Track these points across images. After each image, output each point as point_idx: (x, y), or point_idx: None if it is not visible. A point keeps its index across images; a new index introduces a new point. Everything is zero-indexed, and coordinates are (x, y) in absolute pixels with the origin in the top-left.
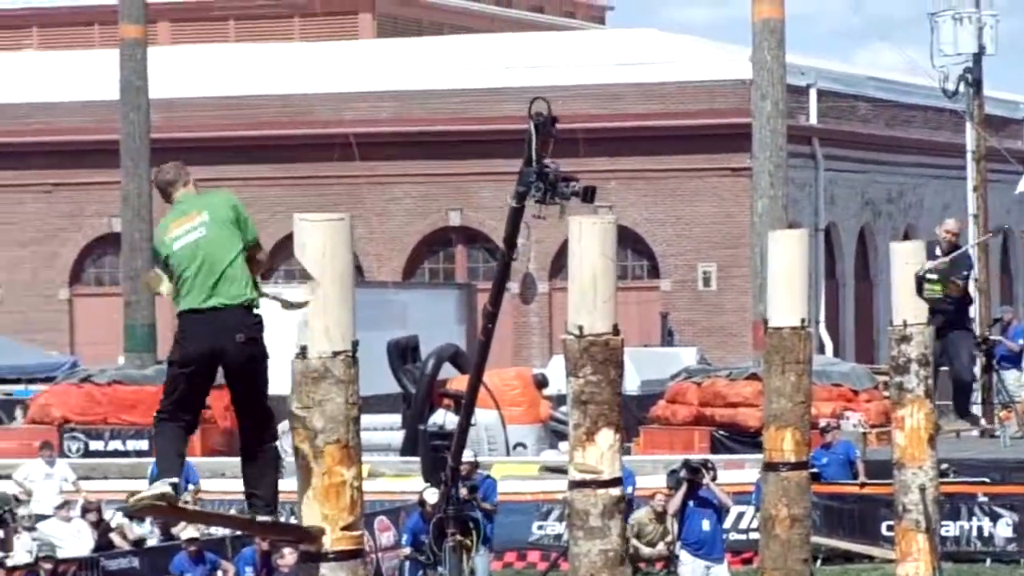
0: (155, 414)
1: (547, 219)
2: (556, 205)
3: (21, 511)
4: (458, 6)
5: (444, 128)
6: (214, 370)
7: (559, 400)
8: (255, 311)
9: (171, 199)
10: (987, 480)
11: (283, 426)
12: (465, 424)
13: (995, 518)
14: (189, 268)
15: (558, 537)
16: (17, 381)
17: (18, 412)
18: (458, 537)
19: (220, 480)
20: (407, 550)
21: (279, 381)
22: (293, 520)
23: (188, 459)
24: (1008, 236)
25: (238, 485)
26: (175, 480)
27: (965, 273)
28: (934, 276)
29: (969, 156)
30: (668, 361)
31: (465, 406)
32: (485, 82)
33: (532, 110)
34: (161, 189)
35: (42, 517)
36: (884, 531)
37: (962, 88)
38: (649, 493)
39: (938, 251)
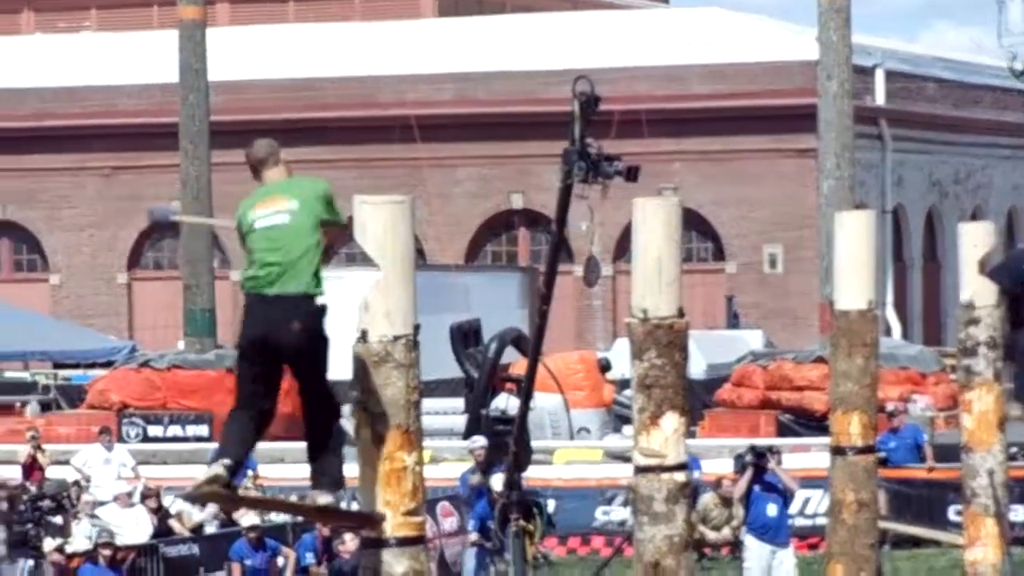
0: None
1: (588, 198)
2: (599, 185)
3: (82, 497)
4: None
5: (506, 110)
6: (273, 356)
7: (623, 384)
8: (316, 299)
9: (260, 177)
10: None
11: (345, 410)
12: (524, 409)
13: None
14: (265, 252)
15: (622, 523)
16: (76, 366)
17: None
18: (521, 522)
19: (279, 466)
20: (474, 536)
21: (341, 365)
22: (355, 506)
23: None
24: None
25: (298, 471)
26: (229, 462)
27: None
28: None
29: None
30: (734, 344)
31: (524, 391)
32: (547, 63)
33: (576, 89)
34: (252, 166)
35: (101, 503)
36: (952, 516)
37: None
38: (715, 478)
39: None
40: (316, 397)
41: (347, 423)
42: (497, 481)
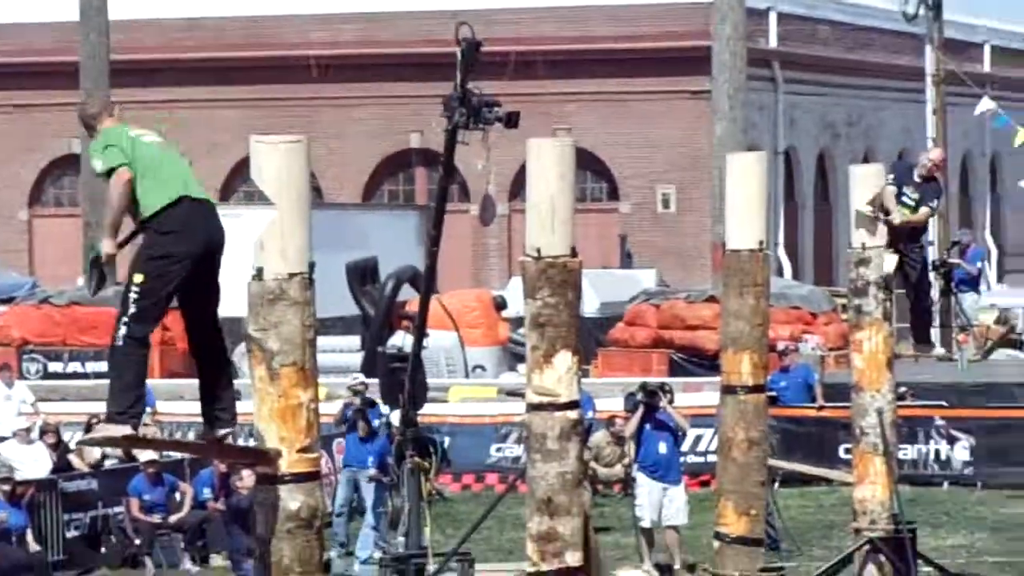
0: (123, 334)
1: (468, 144)
2: (480, 130)
3: None
4: None
5: (405, 51)
6: (204, 270)
7: (518, 322)
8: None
9: (95, 133)
10: (944, 404)
11: (240, 348)
12: (417, 347)
13: (952, 441)
14: (169, 164)
15: (516, 459)
16: None
17: None
18: (416, 459)
19: (178, 403)
20: (372, 471)
21: (235, 303)
22: (251, 442)
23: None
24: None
25: (196, 408)
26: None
27: (936, 201)
28: (911, 199)
29: (928, 80)
30: (627, 283)
31: (417, 329)
32: (447, 4)
33: (458, 34)
34: (85, 122)
35: (1, 439)
36: (842, 454)
37: (922, 11)
38: (607, 416)
39: (916, 177)
40: (214, 327)
41: (242, 363)
42: (396, 417)
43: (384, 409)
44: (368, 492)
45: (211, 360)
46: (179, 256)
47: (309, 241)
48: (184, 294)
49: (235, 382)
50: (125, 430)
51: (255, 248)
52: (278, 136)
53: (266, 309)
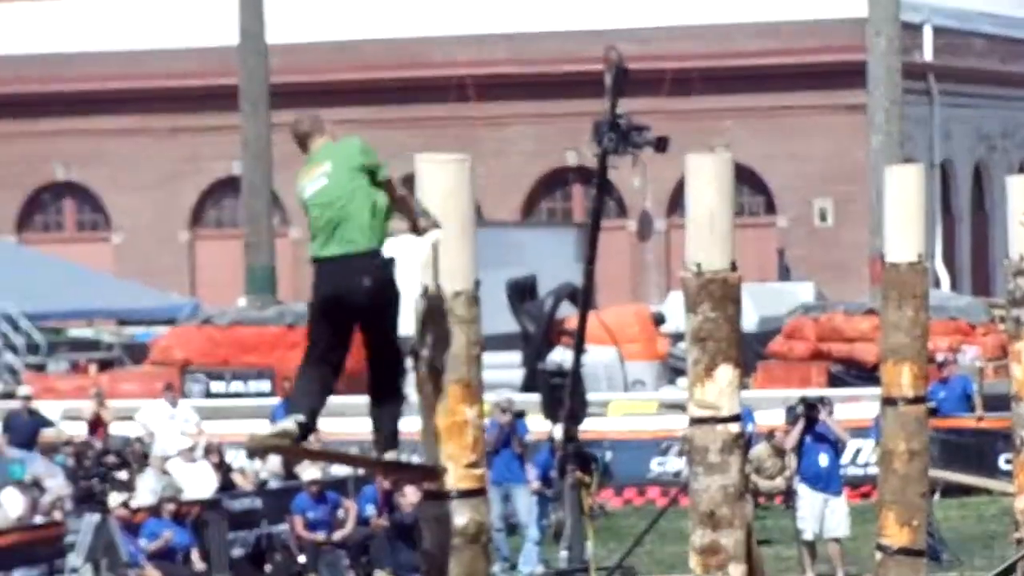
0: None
1: (619, 168)
2: (630, 155)
3: (155, 452)
4: None
5: (558, 69)
6: (344, 316)
7: (677, 337)
8: (380, 253)
9: (307, 150)
10: None
11: (407, 365)
12: (577, 362)
13: None
14: (318, 217)
15: (677, 473)
16: (139, 324)
17: None
18: (577, 474)
19: (340, 419)
20: (536, 484)
21: (403, 321)
22: (416, 459)
23: None
24: None
25: (358, 425)
26: (302, 418)
27: None
28: None
29: None
30: (785, 297)
31: (576, 345)
32: (598, 23)
33: (607, 58)
34: (298, 141)
35: (166, 459)
36: (1002, 464)
37: None
38: (767, 429)
39: None
40: (386, 353)
41: (409, 379)
42: (559, 431)
43: (534, 423)
44: (523, 506)
45: (382, 382)
46: (314, 308)
47: (474, 259)
48: (353, 326)
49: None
50: (288, 424)
51: (421, 267)
52: (443, 154)
53: (432, 327)
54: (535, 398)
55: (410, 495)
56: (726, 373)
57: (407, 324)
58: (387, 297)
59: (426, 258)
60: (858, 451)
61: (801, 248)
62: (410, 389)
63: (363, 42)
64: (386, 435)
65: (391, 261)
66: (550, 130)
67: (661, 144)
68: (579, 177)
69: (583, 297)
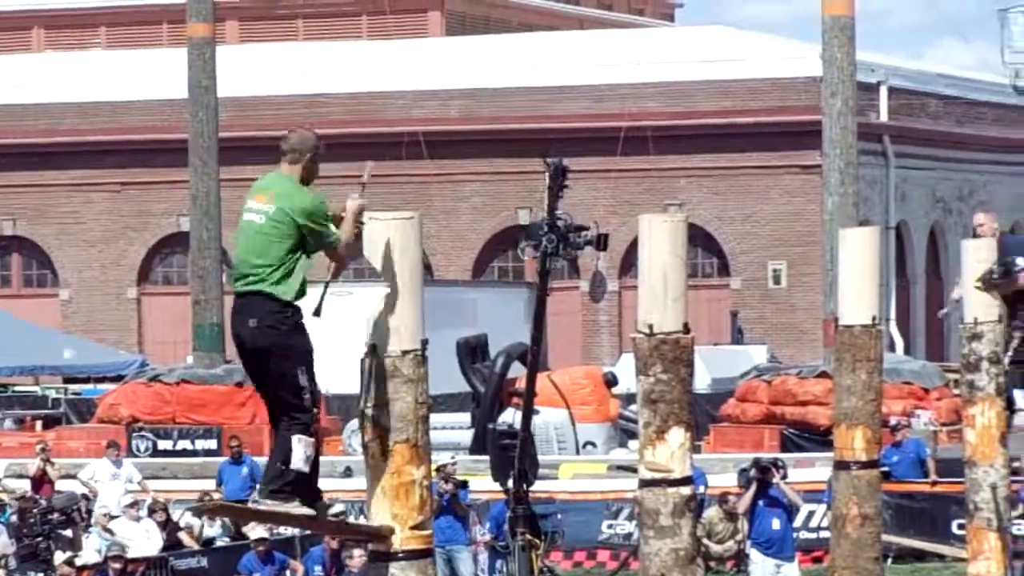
0: None
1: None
2: (569, 257)
3: (97, 510)
4: (526, 4)
5: (513, 126)
6: (247, 357)
7: (629, 399)
8: (282, 300)
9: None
10: None
11: (352, 425)
12: (526, 423)
13: None
14: (240, 248)
15: (628, 536)
16: (87, 380)
17: None
18: (527, 536)
19: None
20: (487, 537)
21: (348, 379)
22: (362, 519)
23: (254, 458)
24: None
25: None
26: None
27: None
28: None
29: None
30: (738, 359)
31: (524, 407)
32: (554, 80)
33: (546, 160)
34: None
35: (112, 517)
36: (955, 529)
37: None
38: (719, 492)
39: None
40: (277, 402)
41: (353, 439)
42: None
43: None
44: (467, 570)
45: (275, 428)
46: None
47: (422, 318)
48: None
49: (347, 459)
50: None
51: (367, 325)
52: (390, 212)
53: (379, 386)
54: (484, 459)
55: (358, 557)
56: (678, 435)
57: (354, 383)
58: (271, 341)
59: (373, 316)
60: (810, 515)
61: (754, 310)
62: (357, 446)
63: (315, 97)
64: (266, 476)
65: (289, 311)
66: (502, 188)
67: (601, 242)
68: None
69: (530, 364)
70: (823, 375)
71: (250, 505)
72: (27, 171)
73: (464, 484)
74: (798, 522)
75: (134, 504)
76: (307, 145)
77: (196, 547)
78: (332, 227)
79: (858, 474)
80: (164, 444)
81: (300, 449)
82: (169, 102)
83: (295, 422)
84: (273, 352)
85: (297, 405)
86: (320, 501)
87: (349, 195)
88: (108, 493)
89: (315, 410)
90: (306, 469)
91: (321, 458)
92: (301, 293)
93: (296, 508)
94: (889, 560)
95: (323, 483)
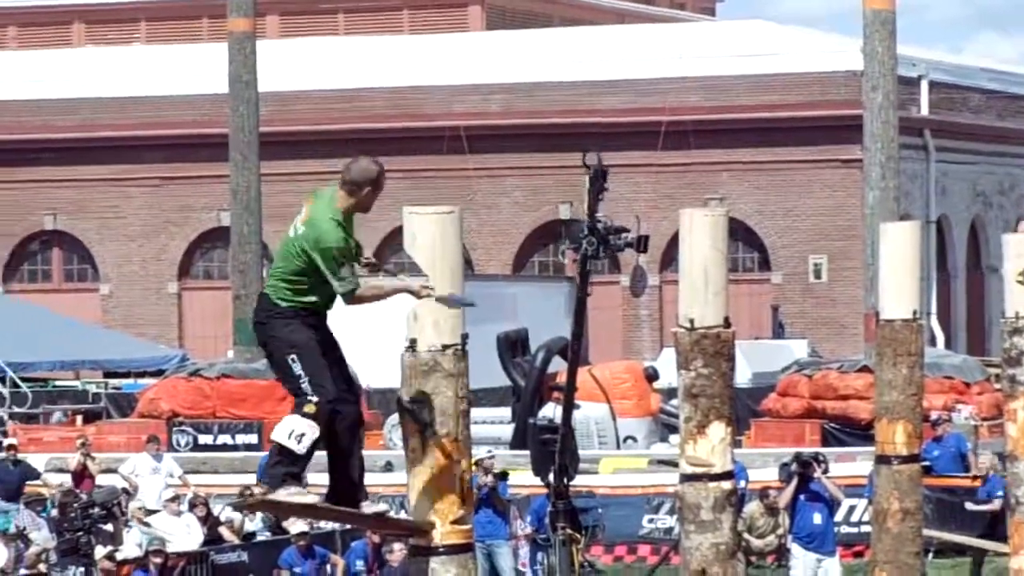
0: None
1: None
2: (609, 257)
3: (132, 504)
4: None
5: (554, 120)
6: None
7: (670, 393)
8: (278, 301)
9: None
10: None
11: (392, 419)
12: (566, 418)
13: None
14: (276, 254)
15: (669, 531)
16: (127, 375)
17: None
18: (568, 531)
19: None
20: (528, 529)
21: (388, 374)
22: (403, 514)
23: None
24: None
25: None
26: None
27: None
28: None
29: None
30: (779, 354)
31: (565, 401)
32: (594, 74)
33: (585, 161)
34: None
35: (150, 511)
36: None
37: None
38: (760, 486)
39: None
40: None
41: (395, 433)
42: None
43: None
44: (507, 564)
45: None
46: None
47: (462, 312)
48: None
49: (388, 453)
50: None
51: (408, 320)
52: (431, 206)
53: (420, 380)
54: (525, 454)
55: (397, 551)
56: (719, 430)
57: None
58: (265, 339)
59: (413, 310)
60: (851, 509)
61: (795, 304)
62: (398, 441)
63: (356, 91)
64: (273, 480)
65: (281, 312)
66: (543, 182)
67: (641, 244)
68: (571, 230)
69: (571, 362)
70: (864, 369)
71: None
72: (67, 166)
73: (504, 476)
74: (839, 517)
75: (175, 499)
76: (366, 179)
77: (237, 541)
78: (346, 272)
79: (899, 468)
80: (204, 439)
81: (286, 422)
82: (209, 97)
83: (296, 403)
84: (268, 344)
85: (295, 392)
86: (366, 500)
87: (423, 283)
88: (148, 487)
89: (312, 397)
90: (293, 447)
91: (363, 452)
92: (300, 298)
93: (298, 496)
94: (930, 555)
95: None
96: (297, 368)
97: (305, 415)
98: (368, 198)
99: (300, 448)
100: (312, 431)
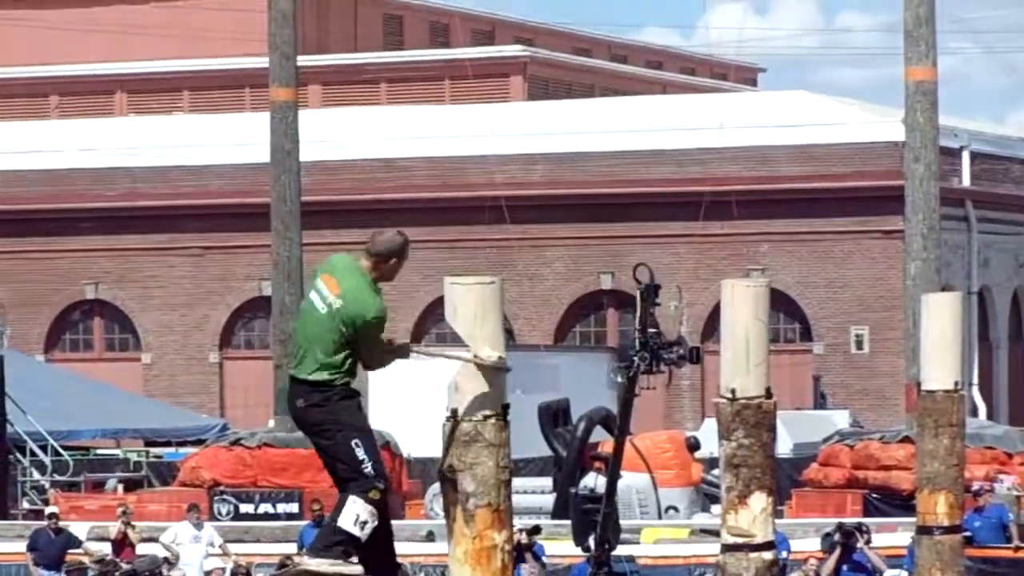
0: None
1: (655, 389)
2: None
3: (174, 574)
4: (609, 68)
5: (596, 191)
6: (307, 434)
7: (711, 463)
8: (326, 383)
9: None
10: None
11: (434, 489)
12: (611, 489)
13: None
14: (299, 331)
15: None
16: (168, 444)
17: None
18: None
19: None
20: None
21: (429, 443)
22: None
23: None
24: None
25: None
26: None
27: None
28: None
29: None
30: (821, 424)
31: (610, 471)
32: (637, 144)
33: (636, 276)
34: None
35: None
36: None
37: None
38: (802, 557)
39: None
40: (336, 475)
41: (436, 503)
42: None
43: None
44: None
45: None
46: None
47: (504, 382)
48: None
49: (429, 523)
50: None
51: (449, 390)
52: (472, 277)
53: (461, 450)
54: (566, 523)
55: None
56: (760, 500)
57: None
58: (316, 421)
59: (454, 380)
60: None
61: (837, 375)
62: (439, 510)
63: (399, 161)
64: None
65: (334, 393)
66: (585, 252)
67: (695, 355)
68: (613, 301)
69: (617, 439)
70: (906, 440)
71: (295, 560)
72: (109, 235)
73: (537, 530)
74: None
75: (221, 568)
76: (392, 250)
77: None
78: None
79: (941, 539)
80: (246, 507)
81: (352, 508)
82: (251, 166)
83: (354, 485)
84: (322, 425)
85: (354, 474)
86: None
87: (413, 346)
88: (190, 556)
89: (377, 480)
90: (358, 533)
91: (404, 522)
92: (349, 374)
93: (343, 567)
94: None
95: (405, 547)
96: (360, 452)
97: (370, 501)
98: (393, 268)
99: (363, 535)
100: (374, 519)
